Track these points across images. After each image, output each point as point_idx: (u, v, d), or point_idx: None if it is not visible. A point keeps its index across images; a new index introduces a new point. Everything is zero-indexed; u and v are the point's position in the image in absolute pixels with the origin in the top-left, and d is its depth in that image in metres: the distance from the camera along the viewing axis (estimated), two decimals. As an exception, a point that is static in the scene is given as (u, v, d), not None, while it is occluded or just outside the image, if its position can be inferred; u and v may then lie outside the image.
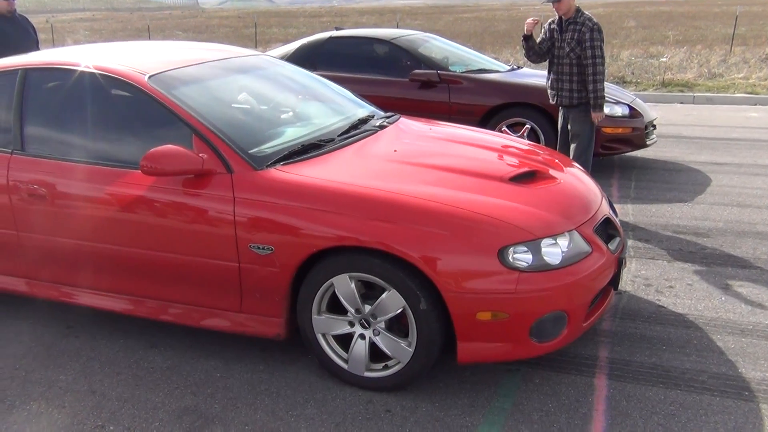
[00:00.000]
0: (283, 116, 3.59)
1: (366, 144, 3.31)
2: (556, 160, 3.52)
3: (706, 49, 15.69)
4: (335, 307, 2.86)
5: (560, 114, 5.07)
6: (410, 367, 2.76)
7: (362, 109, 3.91)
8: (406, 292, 2.63)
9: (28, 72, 3.40)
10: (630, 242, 4.51)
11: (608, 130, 6.05)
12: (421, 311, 2.63)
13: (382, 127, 3.59)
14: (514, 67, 7.41)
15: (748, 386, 2.86)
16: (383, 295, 2.70)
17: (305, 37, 7.73)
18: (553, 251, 2.66)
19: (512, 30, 23.00)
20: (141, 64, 3.29)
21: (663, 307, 3.60)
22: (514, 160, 3.38)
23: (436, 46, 7.34)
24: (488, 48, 16.74)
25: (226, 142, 2.93)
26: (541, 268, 2.61)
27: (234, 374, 3.05)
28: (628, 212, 5.18)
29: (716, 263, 4.16)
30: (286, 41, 12.91)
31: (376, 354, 2.84)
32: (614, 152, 6.30)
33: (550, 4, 4.76)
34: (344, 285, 2.75)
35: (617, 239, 3.07)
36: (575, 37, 4.71)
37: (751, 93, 10.76)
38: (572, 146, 4.93)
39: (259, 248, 2.80)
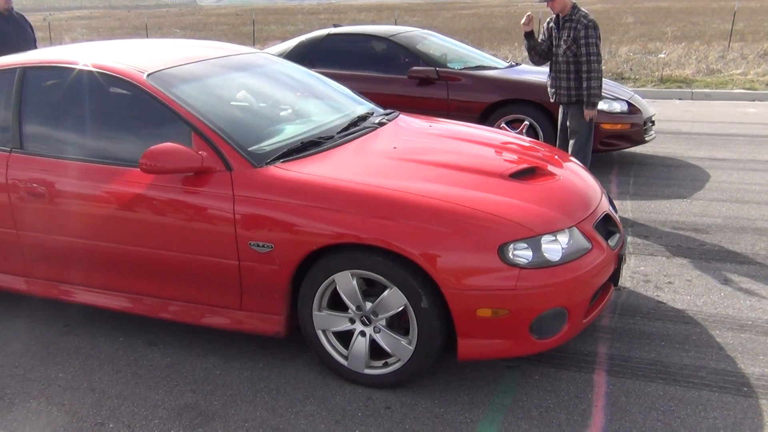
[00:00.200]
0: (282, 114, 3.58)
1: (365, 141, 3.31)
2: (556, 157, 3.52)
3: (704, 45, 15.71)
4: (336, 303, 2.86)
5: (560, 111, 5.07)
6: (410, 365, 2.76)
7: (361, 106, 3.91)
8: (407, 290, 2.63)
9: (26, 70, 3.39)
10: (629, 238, 4.51)
11: (607, 127, 6.05)
12: (423, 309, 2.63)
13: (381, 124, 3.59)
14: (513, 63, 7.41)
15: (747, 382, 2.86)
16: (385, 293, 2.70)
17: (303, 34, 7.72)
18: (553, 248, 2.66)
19: (510, 26, 23.00)
20: (139, 62, 3.28)
21: (662, 303, 3.60)
22: (513, 157, 3.38)
23: (435, 42, 7.34)
24: (486, 45, 16.73)
25: (225, 140, 2.92)
26: (541, 264, 2.61)
27: (233, 371, 3.05)
28: (626, 208, 5.18)
29: (715, 259, 4.16)
30: (284, 39, 12.89)
31: (376, 351, 2.84)
32: (613, 148, 6.31)
33: (545, 3, 4.77)
34: (346, 282, 2.75)
35: (617, 235, 3.08)
36: (571, 35, 4.71)
37: (749, 89, 10.76)
38: (571, 142, 4.93)
39: (258, 246, 2.80)
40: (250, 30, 21.72)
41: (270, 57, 4.15)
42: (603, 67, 4.86)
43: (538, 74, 6.23)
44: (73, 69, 3.29)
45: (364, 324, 2.82)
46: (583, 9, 4.77)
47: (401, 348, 2.76)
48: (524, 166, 3.14)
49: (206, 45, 4.13)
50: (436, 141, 3.54)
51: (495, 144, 3.58)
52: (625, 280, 3.87)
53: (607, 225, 3.09)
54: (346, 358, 2.89)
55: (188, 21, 36.90)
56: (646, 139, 6.35)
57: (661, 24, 22.92)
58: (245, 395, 2.87)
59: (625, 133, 6.20)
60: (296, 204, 2.74)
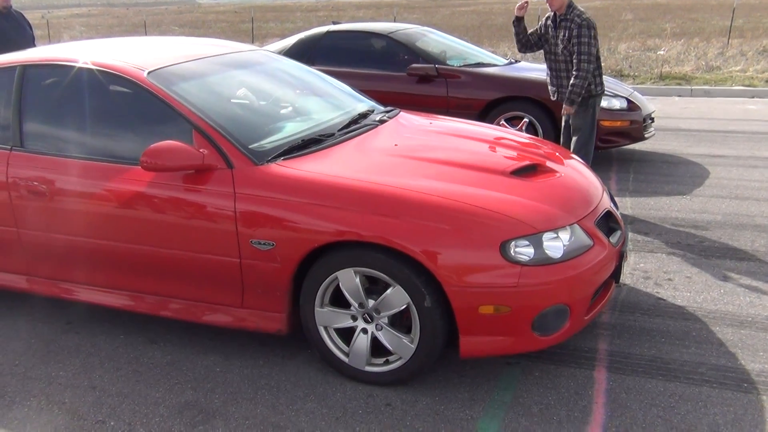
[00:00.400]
0: (282, 111, 3.58)
1: (366, 138, 3.31)
2: (557, 154, 3.52)
3: (703, 41, 15.69)
4: (338, 300, 2.86)
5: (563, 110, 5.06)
6: (412, 363, 2.77)
7: (362, 103, 3.91)
8: (411, 288, 2.63)
9: (26, 68, 3.39)
10: (629, 235, 4.51)
11: (606, 124, 6.04)
12: (426, 308, 2.63)
13: (382, 121, 3.59)
14: (512, 60, 7.40)
15: (747, 378, 2.87)
16: (388, 291, 2.70)
17: (302, 31, 7.71)
18: (555, 245, 2.66)
19: (509, 23, 22.86)
20: (140, 59, 3.28)
21: (662, 299, 3.61)
22: (514, 154, 3.38)
23: (434, 40, 7.33)
24: (485, 42, 16.70)
25: (226, 138, 2.92)
26: (542, 261, 2.61)
27: (234, 369, 3.05)
28: (626, 205, 5.18)
29: (715, 256, 4.17)
30: (283, 36, 12.86)
31: (377, 348, 2.84)
32: (612, 145, 6.31)
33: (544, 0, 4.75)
34: (349, 279, 2.75)
35: (618, 232, 3.08)
36: (566, 35, 4.70)
37: (748, 86, 10.76)
38: (573, 140, 4.93)
39: (260, 243, 2.80)
40: (248, 27, 21.69)
41: (270, 54, 4.14)
42: (603, 64, 4.84)
43: (538, 71, 6.23)
44: (73, 67, 3.28)
45: (366, 321, 2.82)
46: (579, 8, 4.73)
47: (403, 346, 2.76)
48: (525, 163, 3.14)
49: (206, 42, 4.13)
50: (436, 138, 3.54)
51: (496, 141, 3.58)
52: (625, 276, 3.87)
53: (608, 222, 3.09)
54: (347, 355, 2.89)
55: (187, 18, 36.85)
56: (646, 136, 6.35)
57: (660, 21, 22.90)
58: (246, 393, 2.87)
59: (625, 130, 6.20)
60: (297, 201, 2.74)
